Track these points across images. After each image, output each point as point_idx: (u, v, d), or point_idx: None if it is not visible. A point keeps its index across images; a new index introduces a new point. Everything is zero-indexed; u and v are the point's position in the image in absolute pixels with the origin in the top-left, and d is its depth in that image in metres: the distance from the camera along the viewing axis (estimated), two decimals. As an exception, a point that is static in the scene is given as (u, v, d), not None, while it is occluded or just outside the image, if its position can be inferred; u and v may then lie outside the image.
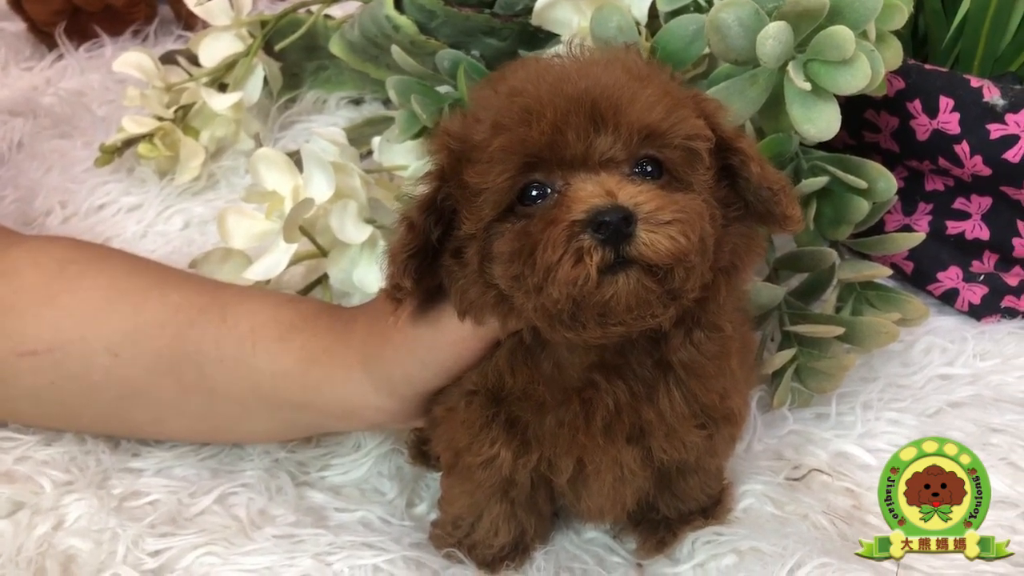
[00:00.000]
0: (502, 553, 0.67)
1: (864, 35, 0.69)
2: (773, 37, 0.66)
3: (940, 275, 0.87)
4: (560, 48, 0.87)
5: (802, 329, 0.74)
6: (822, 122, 0.68)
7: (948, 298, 0.87)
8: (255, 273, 0.84)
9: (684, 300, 0.52)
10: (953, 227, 0.85)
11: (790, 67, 0.67)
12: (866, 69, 0.67)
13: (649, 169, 0.53)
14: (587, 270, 0.49)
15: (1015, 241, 0.83)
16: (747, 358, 0.64)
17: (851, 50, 0.66)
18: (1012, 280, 0.85)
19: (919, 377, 0.80)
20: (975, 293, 0.86)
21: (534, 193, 0.52)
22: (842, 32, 0.65)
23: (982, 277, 0.85)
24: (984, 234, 0.84)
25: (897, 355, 0.81)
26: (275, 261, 0.84)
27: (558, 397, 0.58)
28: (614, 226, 0.49)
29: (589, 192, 0.50)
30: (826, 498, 0.70)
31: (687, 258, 0.50)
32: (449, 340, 0.59)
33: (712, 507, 0.69)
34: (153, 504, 0.74)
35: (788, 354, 0.74)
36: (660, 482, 0.65)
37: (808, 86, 0.67)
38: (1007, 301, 0.85)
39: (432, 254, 0.56)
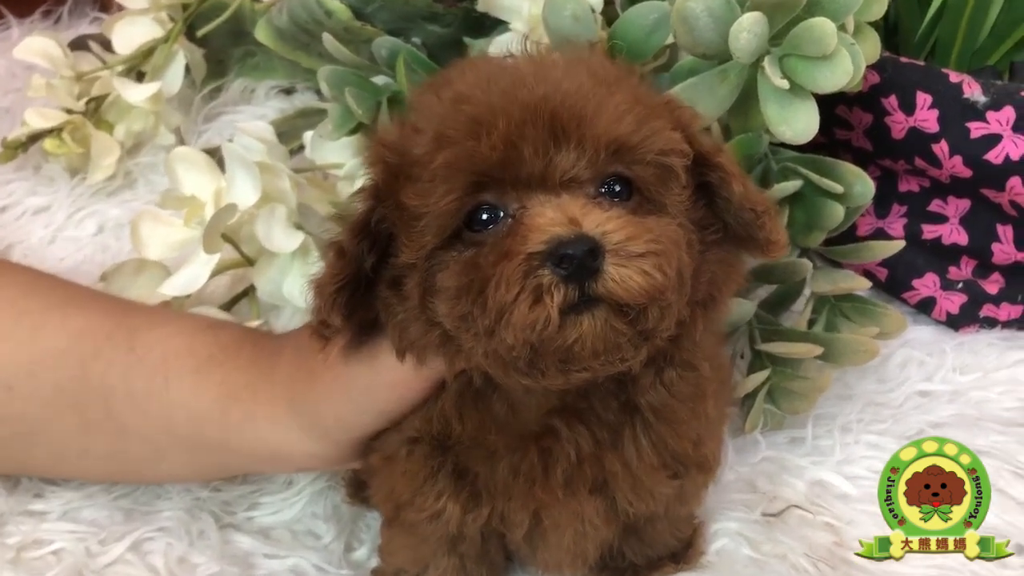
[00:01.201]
0: (451, 607, 0.60)
1: (842, 28, 0.63)
2: (748, 30, 0.60)
3: (916, 282, 0.82)
4: (509, 36, 0.81)
5: (776, 348, 0.68)
6: (799, 123, 0.62)
7: (924, 307, 0.82)
8: (173, 287, 0.76)
9: (657, 340, 0.46)
10: (929, 231, 0.80)
11: (766, 62, 0.61)
12: (847, 65, 0.61)
13: (617, 189, 0.46)
14: (547, 311, 0.42)
15: (995, 247, 0.78)
16: (723, 393, 0.58)
17: (832, 45, 0.60)
18: (991, 288, 0.80)
19: (897, 394, 0.75)
20: (953, 302, 0.81)
21: (484, 217, 0.45)
22: (823, 25, 0.59)
23: (960, 285, 0.81)
24: (962, 239, 0.79)
25: (872, 370, 0.76)
26: (195, 274, 0.76)
27: (512, 444, 0.51)
28: (578, 260, 0.42)
29: (549, 219, 0.43)
30: (805, 535, 0.65)
31: (663, 296, 0.44)
32: (387, 380, 0.52)
33: (683, 551, 0.63)
34: (56, 554, 0.66)
35: (761, 376, 0.69)
36: (626, 528, 0.58)
37: (786, 84, 0.61)
38: (986, 310, 0.81)
39: (366, 284, 0.48)
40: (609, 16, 0.75)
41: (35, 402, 0.63)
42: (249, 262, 0.81)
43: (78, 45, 1.05)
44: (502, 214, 0.45)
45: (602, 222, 0.43)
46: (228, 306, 0.81)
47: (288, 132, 0.96)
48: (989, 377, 0.76)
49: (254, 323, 0.76)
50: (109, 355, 0.62)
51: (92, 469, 0.67)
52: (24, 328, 0.64)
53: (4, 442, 0.65)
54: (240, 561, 0.65)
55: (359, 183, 0.81)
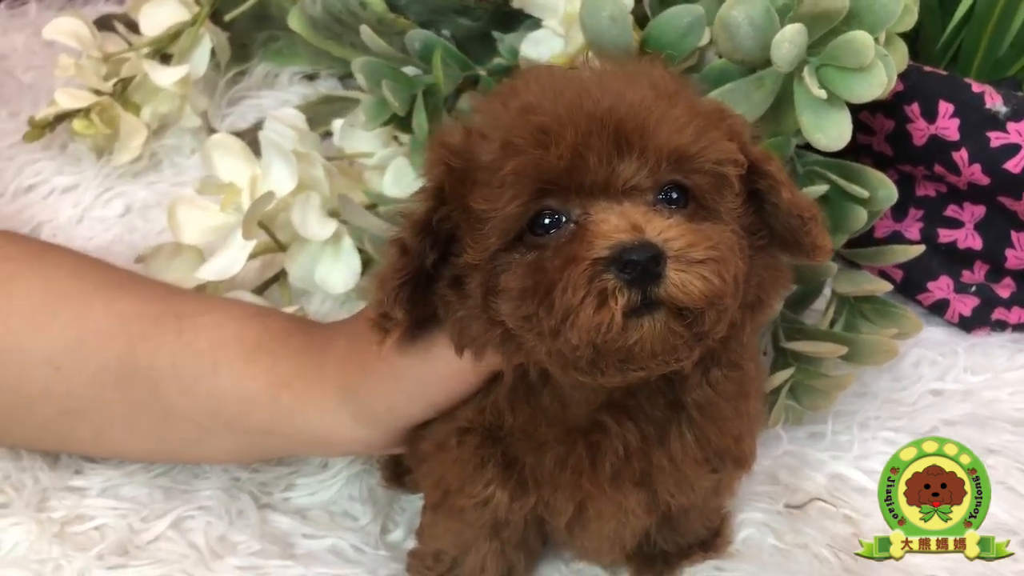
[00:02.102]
0: (487, 589, 0.63)
1: (875, 39, 0.65)
2: (789, 40, 0.62)
3: (930, 285, 0.84)
4: (542, 33, 0.83)
5: (802, 347, 0.71)
6: (834, 131, 0.64)
7: (938, 308, 0.85)
8: (209, 272, 0.77)
9: (710, 341, 0.48)
10: (945, 235, 0.83)
11: (805, 72, 0.63)
12: (882, 77, 0.63)
13: (674, 196, 0.48)
14: (611, 314, 0.44)
15: (1008, 252, 0.81)
16: (759, 393, 0.60)
17: (870, 57, 0.62)
18: (1003, 292, 0.83)
19: (911, 392, 0.78)
20: (966, 304, 0.84)
21: (546, 222, 0.47)
22: (861, 38, 0.61)
23: (973, 288, 0.83)
24: (977, 244, 0.82)
25: (888, 369, 0.78)
26: (231, 259, 0.78)
27: (561, 437, 0.54)
28: (642, 265, 0.44)
29: (613, 226, 0.45)
30: (826, 526, 0.67)
31: (721, 300, 0.46)
32: (440, 373, 0.54)
33: (711, 539, 0.65)
34: (100, 530, 0.68)
35: (786, 374, 0.71)
36: (661, 517, 0.60)
37: (824, 94, 0.63)
38: (997, 313, 0.83)
39: (426, 280, 0.50)
40: (636, 15, 0.76)
41: (81, 381, 0.64)
42: (282, 248, 0.82)
43: (103, 25, 1.05)
44: (564, 219, 0.47)
45: (664, 229, 0.45)
46: (259, 290, 0.83)
47: (312, 118, 0.97)
48: (1000, 378, 0.79)
49: (290, 309, 0.78)
50: (157, 339, 0.64)
51: (135, 448, 0.69)
52: (71, 310, 0.65)
53: (50, 419, 0.66)
54: (280, 540, 0.67)
55: (390, 174, 0.84)
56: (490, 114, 0.49)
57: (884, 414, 0.75)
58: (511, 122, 0.47)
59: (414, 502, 0.69)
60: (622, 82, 0.48)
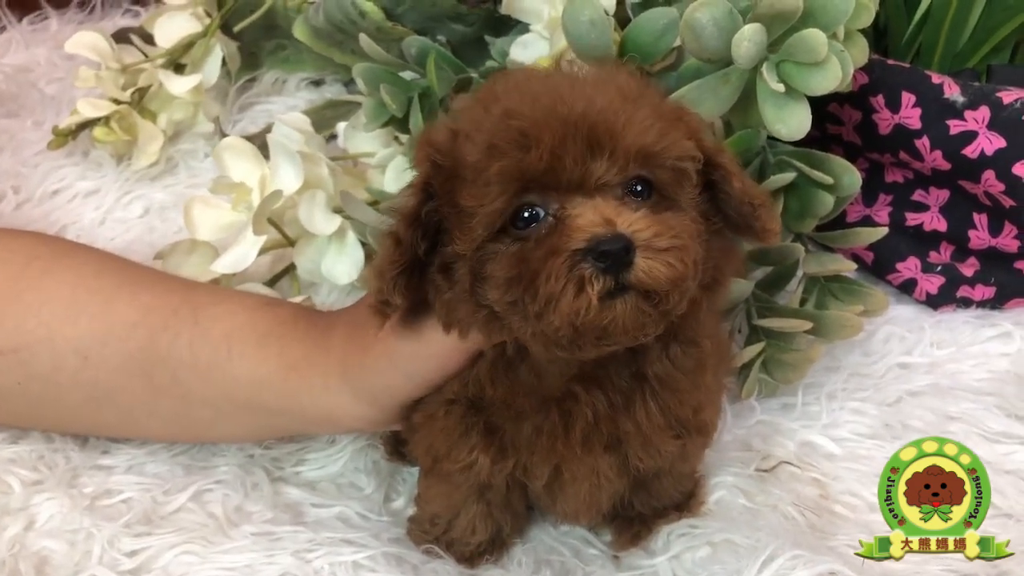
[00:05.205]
0: (479, 549, 0.68)
1: (833, 35, 0.70)
2: (748, 39, 0.67)
3: (899, 265, 0.89)
4: (529, 36, 0.88)
5: (771, 323, 0.76)
6: (794, 122, 0.69)
7: (907, 288, 0.89)
8: (223, 266, 0.83)
9: (672, 317, 0.53)
10: (912, 219, 0.87)
11: (764, 69, 0.68)
12: (837, 71, 0.68)
13: (639, 189, 0.53)
14: (589, 299, 0.50)
15: (971, 233, 0.86)
16: (721, 365, 0.65)
17: (824, 53, 0.67)
18: (967, 271, 0.88)
19: (879, 366, 0.82)
20: (932, 283, 0.88)
21: (526, 215, 0.52)
22: (815, 35, 0.66)
23: (939, 268, 0.88)
24: (942, 226, 0.87)
25: (858, 344, 0.83)
26: (243, 253, 0.84)
27: (537, 406, 0.59)
28: (614, 255, 0.49)
29: (588, 220, 0.50)
30: (794, 488, 0.73)
31: (683, 283, 0.51)
32: (432, 352, 0.59)
33: (686, 501, 0.70)
34: (127, 503, 0.73)
35: (757, 348, 0.76)
36: (635, 482, 0.66)
37: (782, 88, 0.68)
38: (962, 291, 0.88)
39: (420, 267, 0.55)
40: (619, 17, 0.81)
41: (107, 369, 0.70)
42: (290, 243, 0.88)
43: (120, 38, 1.11)
44: (542, 213, 0.52)
45: (632, 221, 0.50)
46: (270, 283, 0.89)
47: (318, 122, 1.02)
48: (963, 351, 0.84)
49: (298, 298, 0.83)
50: (176, 328, 0.69)
51: (157, 430, 0.74)
52: (97, 303, 0.71)
53: (79, 405, 0.72)
54: (291, 510, 0.72)
55: (390, 172, 0.90)
56: (473, 118, 0.54)
57: (851, 386, 0.80)
58: (493, 126, 0.52)
59: (414, 474, 0.74)
60: (592, 88, 0.53)
